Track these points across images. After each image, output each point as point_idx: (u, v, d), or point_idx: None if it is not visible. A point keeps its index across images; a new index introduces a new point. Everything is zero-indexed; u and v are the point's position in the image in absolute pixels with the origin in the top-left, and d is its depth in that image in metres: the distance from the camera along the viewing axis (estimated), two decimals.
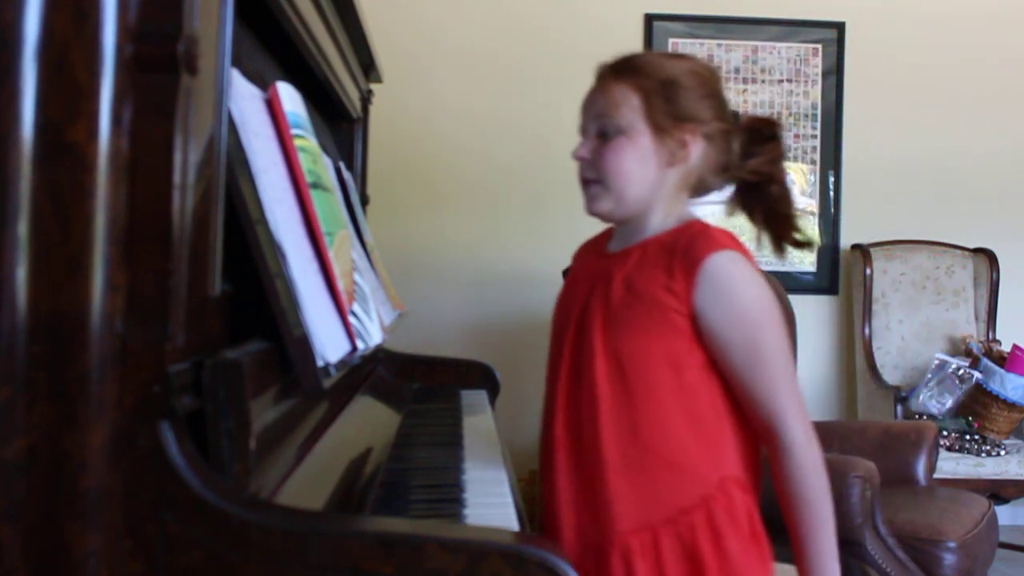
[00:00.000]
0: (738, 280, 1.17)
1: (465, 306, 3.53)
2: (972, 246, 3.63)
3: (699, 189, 1.28)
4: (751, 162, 1.27)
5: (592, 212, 1.28)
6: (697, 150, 1.23)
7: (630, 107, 1.22)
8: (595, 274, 1.27)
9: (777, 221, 1.29)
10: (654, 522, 1.16)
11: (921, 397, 3.20)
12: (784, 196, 1.30)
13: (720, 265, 1.17)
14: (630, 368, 1.18)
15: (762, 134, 1.28)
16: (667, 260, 1.19)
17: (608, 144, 1.23)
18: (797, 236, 1.29)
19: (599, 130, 1.25)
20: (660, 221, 1.25)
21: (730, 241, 1.20)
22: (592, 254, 1.35)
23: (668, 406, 1.17)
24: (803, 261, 3.65)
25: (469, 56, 3.54)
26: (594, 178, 1.25)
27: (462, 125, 3.54)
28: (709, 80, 1.27)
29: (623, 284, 1.21)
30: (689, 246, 1.18)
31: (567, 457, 1.23)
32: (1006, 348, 3.26)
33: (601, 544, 1.17)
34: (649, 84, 1.23)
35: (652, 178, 1.23)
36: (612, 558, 1.15)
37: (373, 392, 1.56)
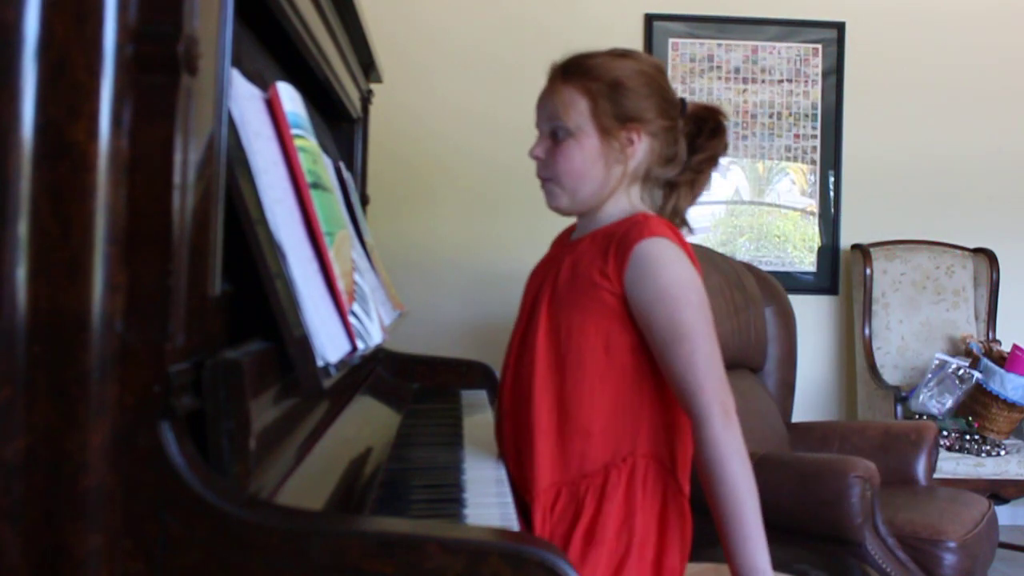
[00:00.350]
0: (663, 261, 1.25)
1: (465, 306, 3.53)
2: (972, 246, 3.63)
3: (648, 179, 1.37)
4: (695, 157, 1.36)
5: (550, 207, 1.39)
6: (643, 147, 1.32)
7: (578, 110, 1.32)
8: (554, 259, 1.39)
9: (671, 217, 1.38)
10: (561, 481, 1.26)
11: (921, 397, 3.20)
12: (688, 200, 1.39)
13: (648, 248, 1.25)
14: (566, 343, 1.28)
15: (707, 125, 1.37)
16: (605, 246, 1.28)
17: (559, 146, 1.33)
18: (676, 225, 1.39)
19: (551, 131, 1.34)
20: (611, 212, 1.35)
21: (664, 230, 1.28)
22: (558, 243, 1.47)
23: (592, 380, 1.26)
24: (803, 261, 3.65)
25: (469, 56, 3.54)
26: (549, 176, 1.35)
27: (462, 125, 3.54)
28: (654, 79, 1.34)
29: (570, 267, 1.32)
30: (626, 234, 1.27)
31: (510, 420, 1.34)
32: (1006, 348, 3.26)
33: (527, 500, 1.27)
34: (596, 87, 1.31)
35: (601, 175, 1.32)
36: (534, 512, 1.26)
37: (373, 392, 1.57)
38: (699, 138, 1.36)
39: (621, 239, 1.26)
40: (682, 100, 1.37)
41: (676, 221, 1.37)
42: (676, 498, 1.28)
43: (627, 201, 1.35)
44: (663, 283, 1.23)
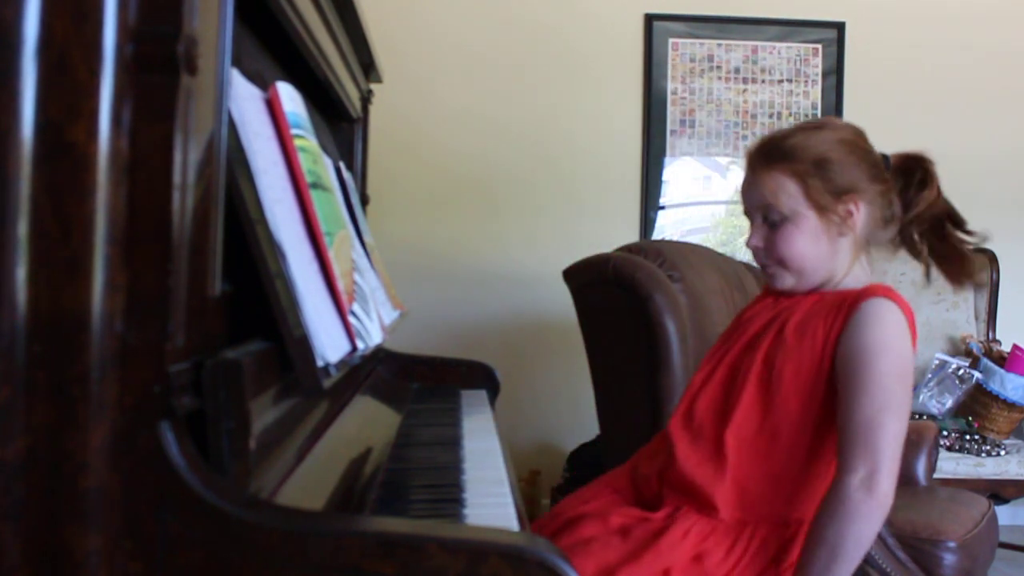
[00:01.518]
0: (885, 320, 1.23)
1: (465, 306, 3.53)
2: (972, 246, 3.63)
3: (870, 244, 1.35)
4: (911, 212, 1.34)
5: (776, 288, 1.37)
6: (862, 215, 1.30)
7: (788, 194, 1.30)
8: (782, 303, 1.37)
9: (948, 260, 1.35)
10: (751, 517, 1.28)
11: (921, 397, 3.20)
12: (952, 234, 1.36)
13: (874, 305, 1.24)
14: (776, 388, 1.29)
15: (914, 177, 1.34)
16: (838, 304, 1.28)
17: (778, 233, 1.31)
18: (966, 278, 1.36)
19: (764, 218, 1.33)
20: (850, 281, 1.33)
21: (894, 297, 1.27)
22: (772, 299, 1.43)
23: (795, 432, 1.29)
24: None
25: (469, 56, 3.54)
26: (772, 262, 1.34)
27: (462, 125, 3.54)
28: (857, 145, 1.32)
29: (798, 321, 1.31)
30: (858, 297, 1.27)
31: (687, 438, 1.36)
32: (1006, 348, 3.26)
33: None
34: (802, 168, 1.29)
35: (825, 252, 1.31)
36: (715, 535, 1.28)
37: (373, 392, 1.56)
38: (908, 191, 1.34)
39: (853, 301, 1.27)
40: (884, 156, 1.35)
41: (957, 257, 1.35)
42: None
43: (863, 273, 1.34)
44: (875, 337, 1.22)
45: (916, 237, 1.35)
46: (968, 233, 1.36)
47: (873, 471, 1.18)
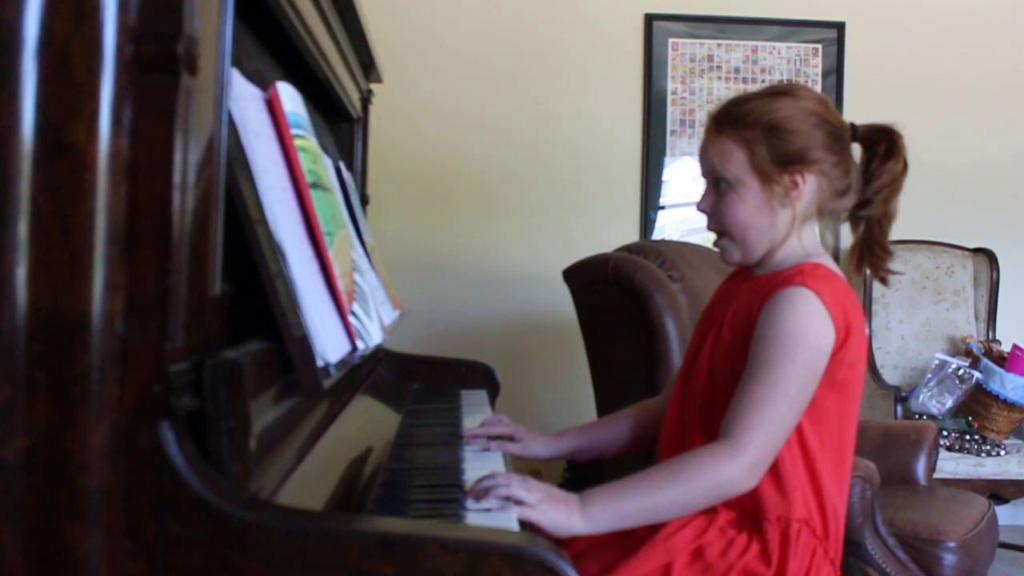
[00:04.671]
0: (796, 311, 1.21)
1: (465, 306, 3.53)
2: (972, 246, 3.63)
3: (823, 215, 1.32)
4: (873, 185, 1.30)
5: (724, 261, 1.36)
6: (810, 187, 1.27)
7: (735, 161, 1.27)
8: (731, 293, 1.37)
9: (870, 251, 1.33)
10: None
11: (921, 397, 3.20)
12: (884, 230, 1.33)
13: (789, 293, 1.22)
14: (720, 384, 1.28)
15: (879, 148, 1.30)
16: (758, 296, 1.26)
17: (723, 199, 1.29)
18: (884, 274, 1.35)
19: (713, 183, 1.30)
20: (783, 256, 1.31)
21: (822, 285, 1.23)
22: (739, 276, 1.42)
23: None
24: None
25: (469, 56, 3.54)
26: (718, 230, 1.32)
27: (462, 125, 3.54)
28: (815, 113, 1.28)
29: (736, 309, 1.30)
30: (779, 283, 1.25)
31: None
32: (1006, 348, 3.26)
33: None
34: (751, 134, 1.26)
35: (767, 223, 1.28)
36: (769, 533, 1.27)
37: (373, 392, 1.56)
38: (872, 162, 1.31)
39: (776, 284, 1.25)
40: (852, 126, 1.32)
41: (880, 253, 1.33)
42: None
43: (799, 244, 1.31)
44: (782, 328, 1.20)
45: (863, 214, 1.32)
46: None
47: (743, 448, 1.16)
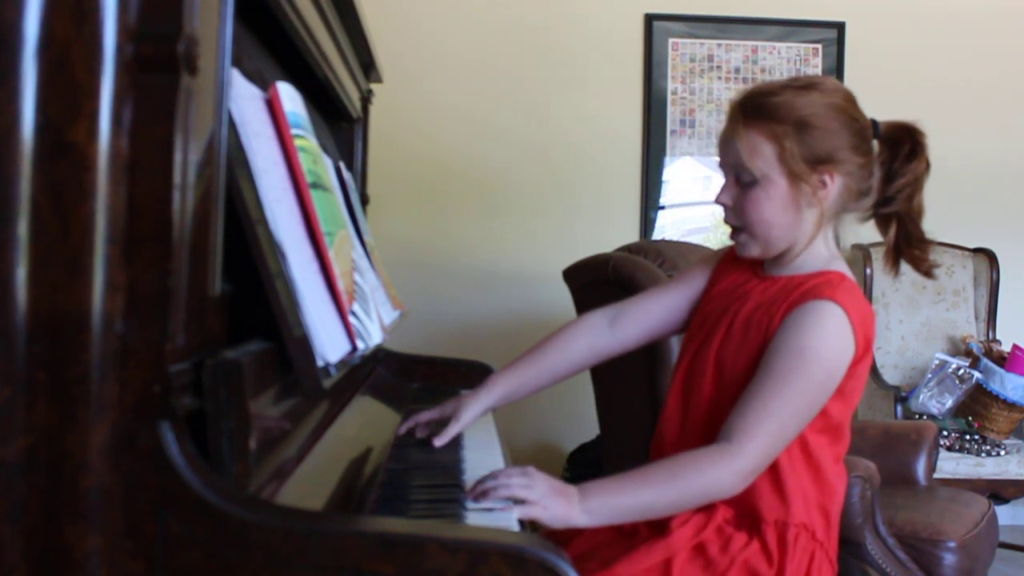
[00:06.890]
0: (821, 328, 1.19)
1: (465, 306, 3.53)
2: (972, 246, 3.63)
3: (842, 214, 1.30)
4: (894, 184, 1.27)
5: (742, 256, 1.31)
6: (835, 187, 1.24)
7: (763, 156, 1.23)
8: (742, 287, 1.33)
9: (909, 245, 1.29)
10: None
11: (921, 397, 3.20)
12: (917, 224, 1.29)
13: (813, 309, 1.19)
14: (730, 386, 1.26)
15: (902, 148, 1.27)
16: (795, 299, 1.23)
17: (746, 194, 1.24)
18: (929, 267, 1.30)
19: (736, 177, 1.26)
20: (807, 259, 1.28)
21: (849, 300, 1.21)
22: (747, 267, 1.37)
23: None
24: None
25: (469, 56, 3.54)
26: (738, 225, 1.28)
27: (461, 126, 3.54)
28: (844, 111, 1.25)
29: (752, 308, 1.27)
30: (812, 288, 1.22)
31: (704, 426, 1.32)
32: (1006, 348, 3.26)
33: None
34: (781, 129, 1.22)
35: (793, 221, 1.25)
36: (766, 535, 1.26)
37: (373, 392, 1.56)
38: (894, 162, 1.27)
39: (804, 293, 1.22)
40: (874, 123, 1.28)
41: (921, 247, 1.29)
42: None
43: (824, 246, 1.28)
44: (804, 344, 1.18)
45: (885, 212, 1.29)
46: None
47: (743, 455, 1.15)
